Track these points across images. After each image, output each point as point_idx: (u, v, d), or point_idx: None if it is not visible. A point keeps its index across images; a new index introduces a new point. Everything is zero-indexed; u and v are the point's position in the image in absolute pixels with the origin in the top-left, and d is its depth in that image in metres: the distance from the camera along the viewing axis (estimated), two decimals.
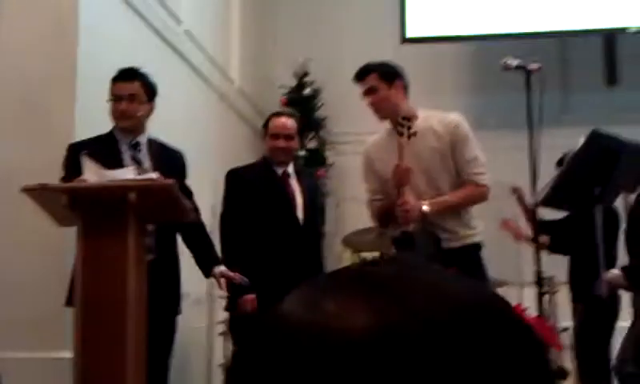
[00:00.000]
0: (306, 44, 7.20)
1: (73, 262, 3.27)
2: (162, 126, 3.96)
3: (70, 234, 3.21)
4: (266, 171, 4.18)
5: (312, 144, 6.94)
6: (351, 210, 6.30)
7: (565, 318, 5.00)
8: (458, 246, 3.58)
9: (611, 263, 4.23)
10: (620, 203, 4.39)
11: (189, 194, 3.67)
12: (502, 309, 0.53)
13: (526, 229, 4.86)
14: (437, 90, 6.54)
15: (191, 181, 3.91)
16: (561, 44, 7.08)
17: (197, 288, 4.84)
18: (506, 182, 4.80)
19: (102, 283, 3.03)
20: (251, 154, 5.94)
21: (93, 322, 3.01)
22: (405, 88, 3.74)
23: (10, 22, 4.15)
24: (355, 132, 5.87)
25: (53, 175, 3.38)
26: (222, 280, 3.84)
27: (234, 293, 3.96)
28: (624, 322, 4.46)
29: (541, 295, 3.64)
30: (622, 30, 6.86)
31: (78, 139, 3.68)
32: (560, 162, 4.42)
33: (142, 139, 3.70)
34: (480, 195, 3.67)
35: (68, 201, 3.04)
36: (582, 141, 3.68)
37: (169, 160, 3.72)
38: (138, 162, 3.61)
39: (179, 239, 3.84)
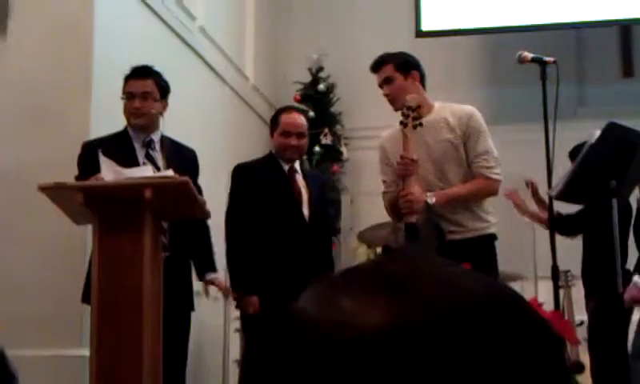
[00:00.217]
0: (321, 39, 7.18)
1: (89, 259, 3.29)
2: (176, 123, 3.97)
3: (87, 231, 3.22)
4: (273, 167, 4.11)
5: (327, 140, 6.91)
6: (366, 206, 6.29)
7: (581, 312, 4.97)
8: (466, 238, 3.53)
9: (624, 258, 4.18)
10: (633, 197, 4.35)
11: (199, 191, 3.68)
12: (519, 304, 0.53)
13: (538, 215, 4.83)
14: (452, 83, 6.50)
15: (206, 178, 3.92)
16: (576, 36, 7.01)
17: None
18: (521, 174, 4.77)
19: (118, 281, 3.05)
20: (266, 150, 5.93)
21: (109, 319, 3.03)
22: (422, 79, 3.71)
23: (26, 22, 4.18)
24: (370, 127, 5.84)
25: (69, 174, 3.41)
26: (210, 287, 3.89)
27: (238, 292, 3.94)
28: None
29: (557, 289, 3.61)
30: (638, 21, 6.79)
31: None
32: (572, 154, 4.37)
33: (156, 137, 3.71)
34: (490, 189, 3.63)
35: (84, 199, 3.06)
36: (597, 133, 3.64)
37: (181, 158, 3.73)
38: (151, 160, 3.62)
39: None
